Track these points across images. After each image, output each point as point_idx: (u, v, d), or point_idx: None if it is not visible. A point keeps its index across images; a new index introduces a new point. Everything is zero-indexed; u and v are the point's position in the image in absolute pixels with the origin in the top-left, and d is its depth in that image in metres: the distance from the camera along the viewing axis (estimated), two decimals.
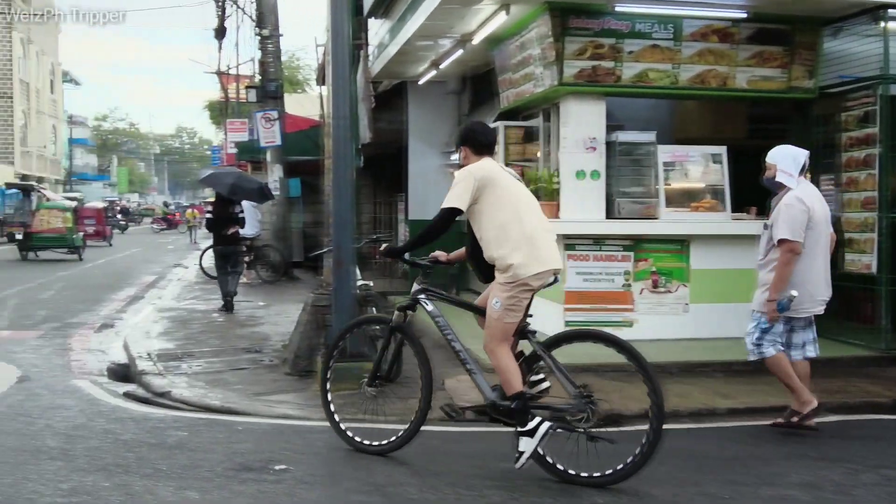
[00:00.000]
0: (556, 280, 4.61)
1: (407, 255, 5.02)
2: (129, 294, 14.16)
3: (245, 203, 16.45)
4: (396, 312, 5.04)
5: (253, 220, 16.25)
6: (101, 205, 34.43)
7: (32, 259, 22.37)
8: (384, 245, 5.40)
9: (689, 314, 8.50)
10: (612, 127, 8.68)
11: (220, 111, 57.51)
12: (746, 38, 8.63)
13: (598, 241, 8.48)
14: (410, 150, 12.86)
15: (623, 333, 8.44)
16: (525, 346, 4.71)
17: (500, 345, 4.51)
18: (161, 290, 15.11)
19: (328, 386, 5.22)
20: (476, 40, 9.62)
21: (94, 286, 15.40)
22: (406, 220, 15.41)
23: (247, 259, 16.14)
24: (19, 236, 23.79)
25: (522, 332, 4.60)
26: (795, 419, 5.54)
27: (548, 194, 8.80)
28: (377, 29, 12.45)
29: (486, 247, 4.52)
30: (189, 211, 42.59)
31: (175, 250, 29.38)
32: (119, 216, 48.17)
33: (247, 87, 17.04)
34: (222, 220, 11.77)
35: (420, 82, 12.29)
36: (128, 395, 6.78)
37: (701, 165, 8.88)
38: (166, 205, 53.51)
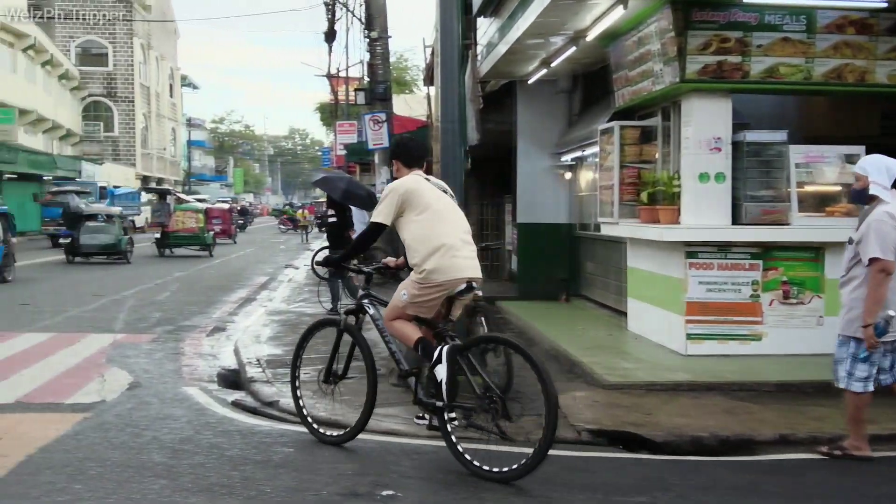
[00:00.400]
0: (470, 287, 4.87)
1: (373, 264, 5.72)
2: (241, 296, 14.37)
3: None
4: (346, 316, 5.70)
5: (361, 222, 16.28)
6: (226, 206, 37.66)
7: (168, 255, 24.47)
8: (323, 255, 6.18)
9: (824, 327, 7.82)
10: (737, 126, 8.12)
11: (331, 113, 58.68)
12: (886, 30, 7.91)
13: (723, 248, 7.94)
14: (519, 151, 12.52)
15: (751, 347, 7.99)
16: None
17: (394, 320, 5.10)
18: (272, 291, 15.28)
19: (298, 393, 5.82)
20: (590, 37, 9.19)
21: (208, 287, 15.73)
22: (513, 222, 15.08)
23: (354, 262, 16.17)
24: (157, 235, 25.88)
25: (442, 336, 4.90)
26: (839, 452, 5.25)
27: (667, 198, 8.31)
28: (486, 28, 12.15)
29: (407, 253, 4.99)
30: (301, 211, 43.68)
31: (286, 251, 29.97)
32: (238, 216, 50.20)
33: (356, 90, 17.09)
34: (341, 224, 11.78)
35: (529, 81, 11.93)
36: (236, 405, 6.72)
37: (836, 167, 8.19)
38: (292, 206, 53.93)
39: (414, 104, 30.82)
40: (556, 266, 12.47)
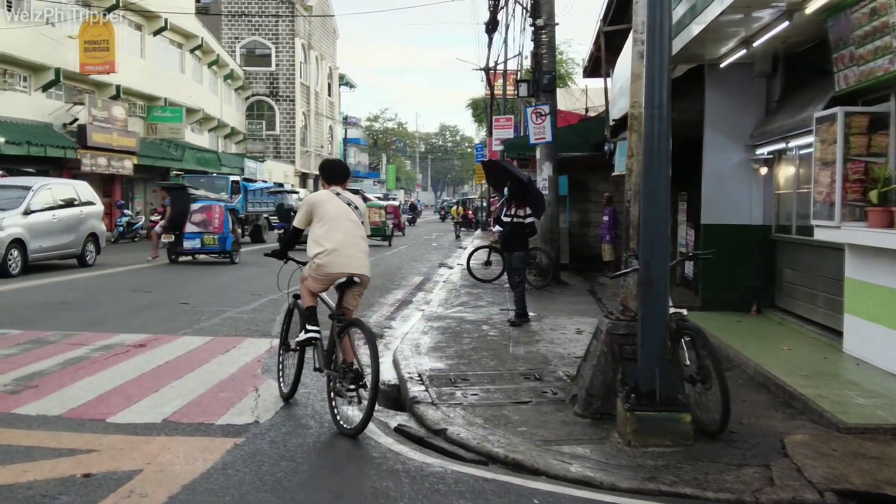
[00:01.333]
0: (351, 281, 6.12)
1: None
2: (398, 298, 13.76)
3: None
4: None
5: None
6: (396, 202, 43.69)
7: None
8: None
9: None
10: None
11: (484, 109, 58.29)
12: None
13: None
14: (706, 143, 11.14)
15: None
16: None
17: (306, 296, 6.34)
18: (428, 293, 14.60)
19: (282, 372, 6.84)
20: (810, 9, 7.80)
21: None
22: (688, 222, 13.68)
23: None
24: None
25: (339, 318, 6.17)
26: None
27: None
28: (674, 7, 10.85)
29: (307, 248, 6.15)
30: (455, 208, 43.42)
31: (438, 248, 29.52)
32: (408, 212, 52.94)
33: (518, 81, 16.19)
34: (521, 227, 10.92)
35: (722, 65, 10.55)
36: (400, 432, 5.91)
37: None
38: (463, 203, 52.11)
39: (567, 98, 29.63)
40: (745, 273, 11.04)
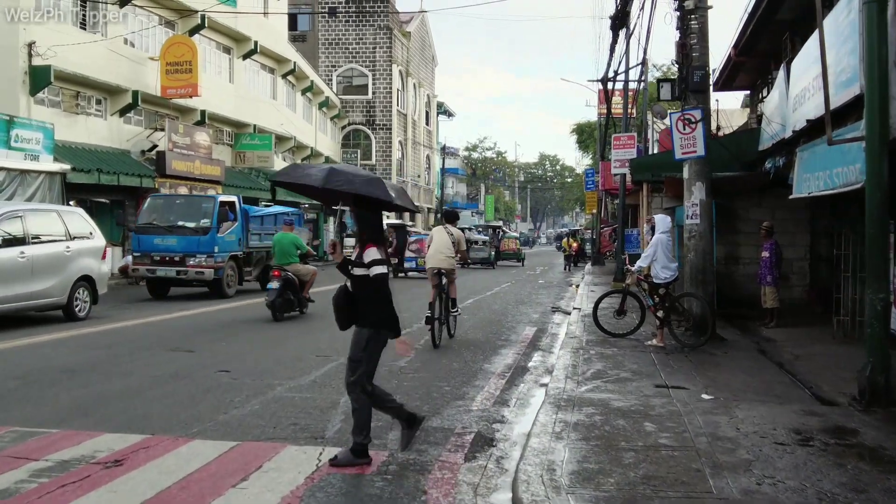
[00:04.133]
0: (440, 272, 11.68)
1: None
2: (508, 363, 10.35)
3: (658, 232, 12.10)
4: None
5: (666, 255, 11.81)
6: (515, 234, 51.65)
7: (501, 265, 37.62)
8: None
9: None
10: None
11: (590, 134, 54.65)
12: None
13: None
14: None
15: None
16: None
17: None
18: (547, 354, 11.20)
19: None
20: None
21: (462, 344, 11.96)
22: None
23: (659, 313, 11.70)
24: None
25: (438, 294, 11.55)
26: None
27: None
28: None
29: None
30: (565, 240, 40.89)
31: (547, 286, 25.99)
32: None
33: (659, 81, 12.73)
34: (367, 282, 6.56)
35: None
36: None
37: None
38: (573, 234, 48.17)
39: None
40: None
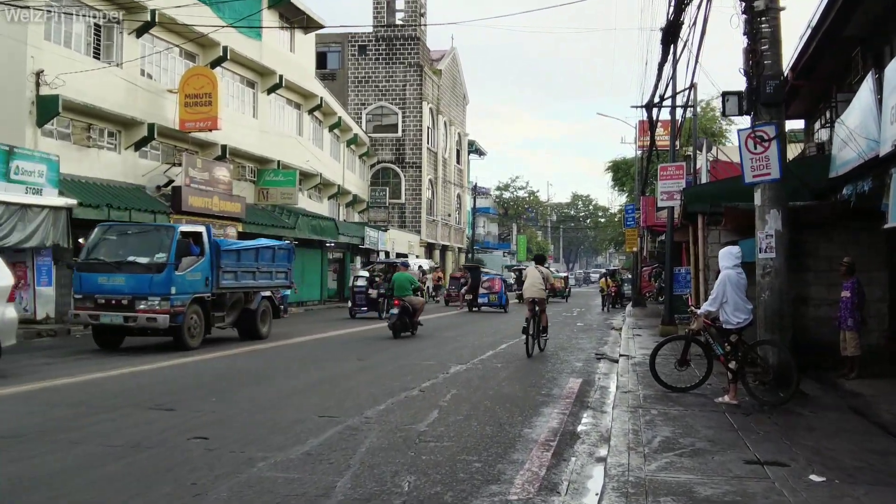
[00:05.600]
0: (532, 301, 15.49)
1: None
2: (552, 426, 8.44)
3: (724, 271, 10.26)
4: None
5: (738, 295, 9.92)
6: (564, 275, 52.19)
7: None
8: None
9: None
10: None
11: (626, 171, 52.75)
12: None
13: None
14: None
15: None
16: None
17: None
18: (598, 414, 9.33)
19: None
20: None
21: (496, 400, 10.13)
22: None
23: (732, 364, 9.80)
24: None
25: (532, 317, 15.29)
26: None
27: None
28: None
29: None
30: (603, 280, 38.59)
31: (586, 329, 23.98)
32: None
33: (724, 95, 10.96)
34: None
35: None
36: None
37: None
38: (612, 274, 43.90)
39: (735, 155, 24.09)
40: None
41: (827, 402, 9.90)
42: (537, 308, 15.30)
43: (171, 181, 25.84)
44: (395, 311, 18.74)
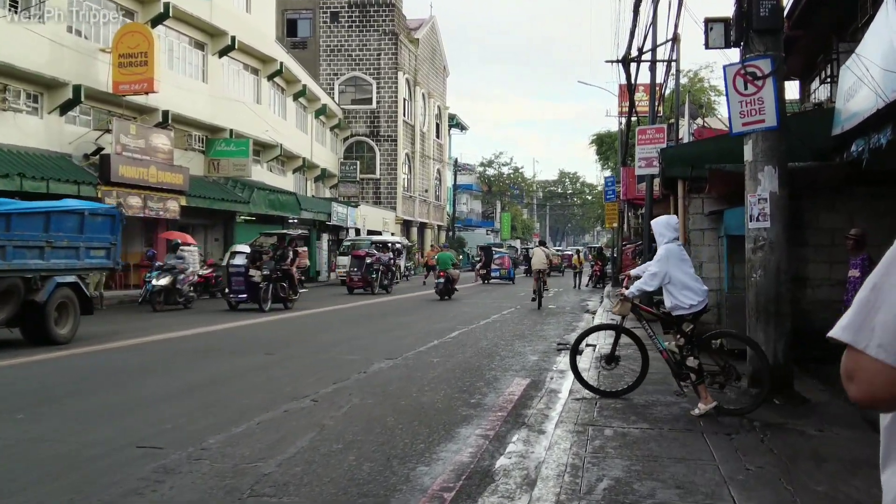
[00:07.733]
0: (540, 271, 23.40)
1: None
2: (461, 461, 6.09)
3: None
4: None
5: (684, 272, 7.58)
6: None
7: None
8: None
9: None
10: None
11: (610, 145, 50.37)
12: None
13: None
14: None
15: None
16: None
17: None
18: (534, 436, 7.00)
19: None
20: None
21: (415, 410, 7.82)
22: None
23: (691, 361, 7.51)
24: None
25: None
26: None
27: None
28: None
29: None
30: (575, 256, 37.41)
31: (559, 312, 21.64)
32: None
33: (707, 22, 8.62)
34: None
35: None
36: None
37: None
38: (601, 251, 43.28)
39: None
40: None
41: (835, 413, 7.66)
42: (541, 276, 23.12)
43: (101, 149, 23.34)
44: (441, 280, 25.57)
